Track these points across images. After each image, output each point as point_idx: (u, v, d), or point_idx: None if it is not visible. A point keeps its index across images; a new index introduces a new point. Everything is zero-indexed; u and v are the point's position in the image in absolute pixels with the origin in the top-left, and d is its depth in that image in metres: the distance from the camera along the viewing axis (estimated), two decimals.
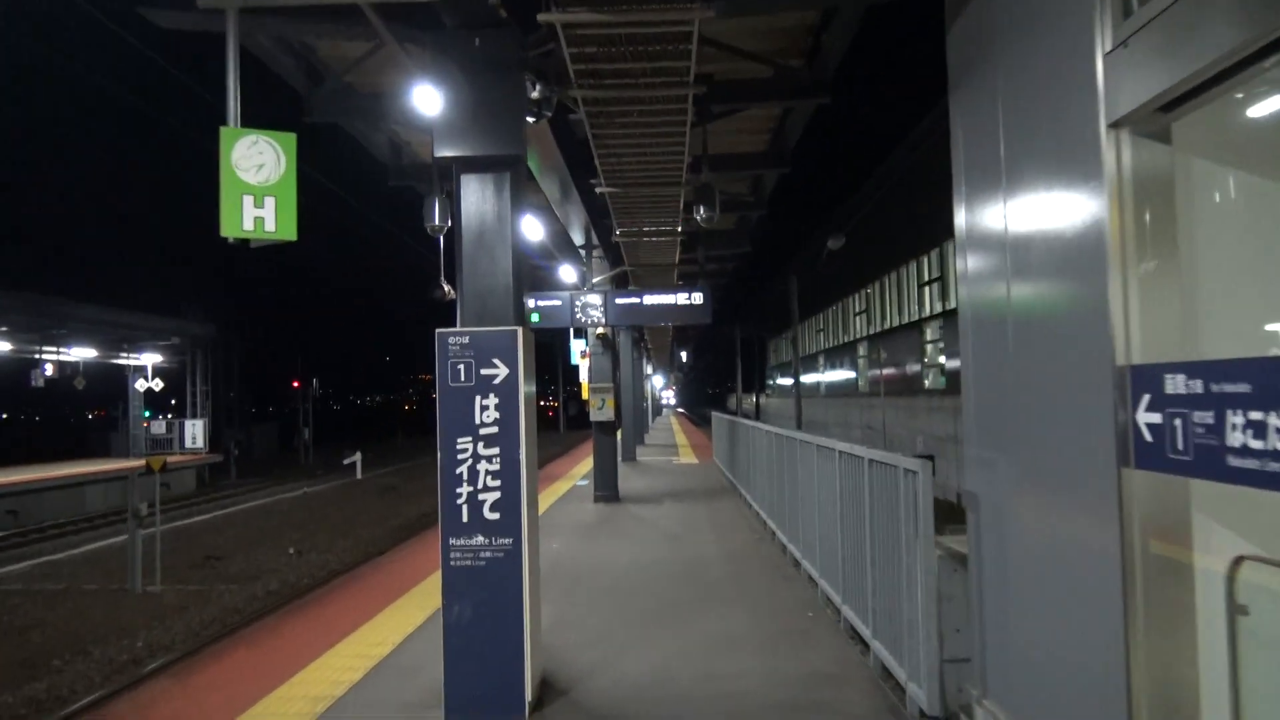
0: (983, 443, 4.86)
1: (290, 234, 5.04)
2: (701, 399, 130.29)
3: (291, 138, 5.12)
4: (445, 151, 6.22)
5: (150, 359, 30.69)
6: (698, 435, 44.16)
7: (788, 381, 57.11)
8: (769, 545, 11.52)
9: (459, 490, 5.64)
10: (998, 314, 4.54)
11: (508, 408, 5.65)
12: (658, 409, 77.19)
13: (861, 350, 36.14)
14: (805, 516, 9.43)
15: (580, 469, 24.10)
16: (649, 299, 13.75)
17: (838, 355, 40.97)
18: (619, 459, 25.01)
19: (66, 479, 27.61)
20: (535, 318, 13.59)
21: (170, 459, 33.11)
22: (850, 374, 38.38)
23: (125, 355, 31.42)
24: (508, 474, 5.62)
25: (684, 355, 36.55)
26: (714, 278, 26.57)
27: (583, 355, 20.07)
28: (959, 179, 5.04)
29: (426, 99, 6.33)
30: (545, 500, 17.00)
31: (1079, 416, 3.62)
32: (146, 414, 34.11)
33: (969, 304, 4.98)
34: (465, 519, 5.64)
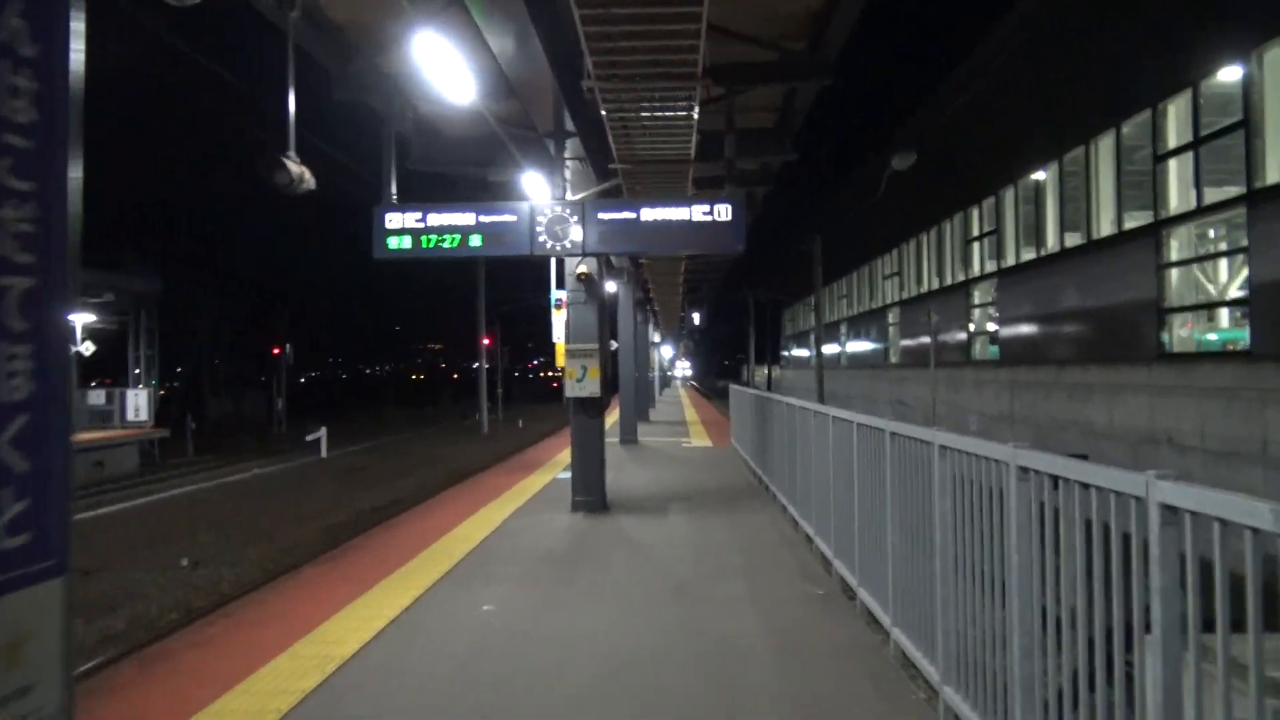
0: None
1: None
2: (711, 369, 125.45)
3: None
4: None
5: (80, 319, 25.99)
6: (709, 410, 39.29)
7: (804, 353, 52.45)
8: (845, 613, 6.66)
9: None
10: None
11: None
12: (666, 380, 72.34)
13: (891, 317, 31.44)
14: (925, 574, 4.60)
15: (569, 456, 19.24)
16: (649, 213, 8.84)
17: (864, 323, 36.21)
18: (611, 444, 20.23)
19: None
20: (476, 239, 8.70)
21: (108, 434, 28.55)
22: (878, 344, 33.65)
23: None
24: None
25: (696, 317, 31.60)
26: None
27: (557, 307, 15.02)
28: None
29: None
30: (505, 505, 12.14)
31: None
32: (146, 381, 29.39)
33: None
34: None
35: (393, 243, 9.06)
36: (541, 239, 8.93)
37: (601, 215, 8.96)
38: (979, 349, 23.22)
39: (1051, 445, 17.51)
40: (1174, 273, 14.61)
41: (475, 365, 39.33)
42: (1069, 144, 17.33)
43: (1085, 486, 3.00)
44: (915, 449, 5.13)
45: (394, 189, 9.26)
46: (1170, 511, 2.56)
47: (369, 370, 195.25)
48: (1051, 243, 18.49)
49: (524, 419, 43.51)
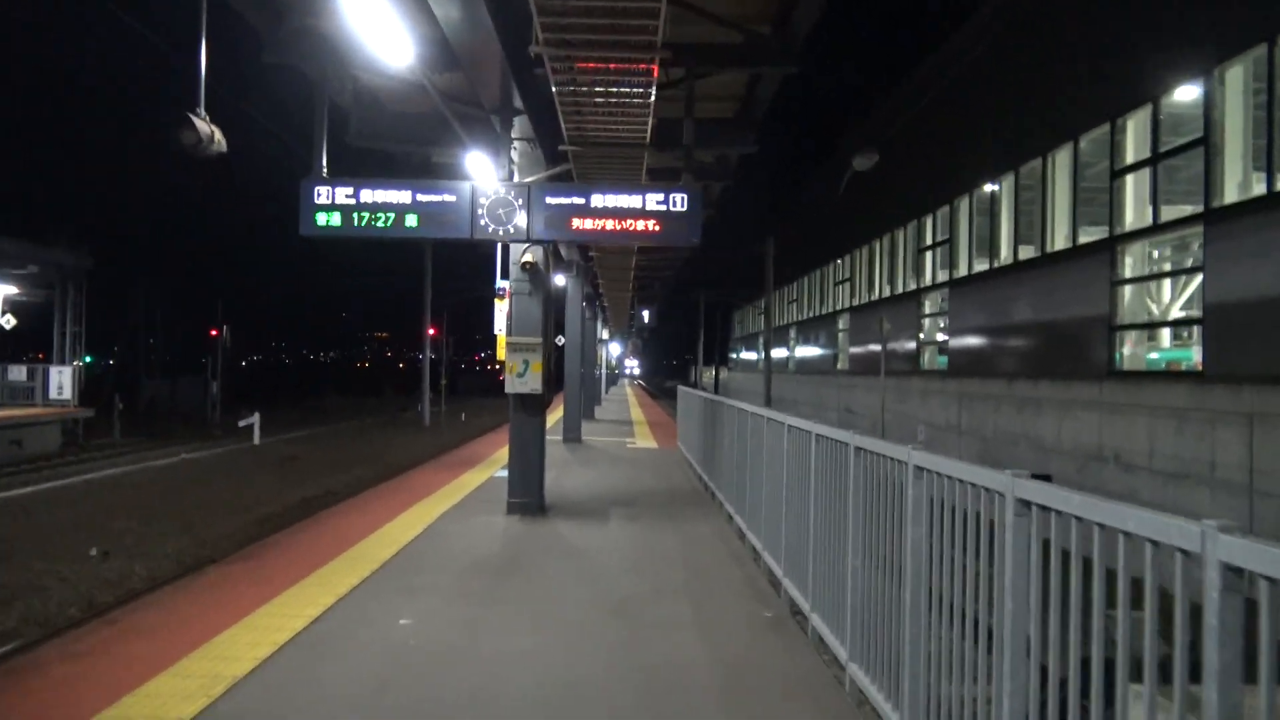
0: None
1: None
2: (659, 370, 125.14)
3: None
4: None
5: (2, 290, 24.62)
6: (656, 410, 38.76)
7: (752, 356, 52.20)
8: (795, 639, 6.10)
9: None
10: None
11: None
12: (614, 378, 71.70)
13: (842, 323, 31.21)
14: (891, 605, 4.04)
15: None
16: (601, 200, 8.21)
17: (813, 328, 35.97)
18: (554, 442, 19.56)
19: None
20: (412, 219, 8.01)
21: (28, 412, 27.18)
22: (828, 350, 33.42)
23: None
24: None
25: (646, 315, 30.96)
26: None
27: (499, 297, 14.30)
28: None
29: None
30: (438, 504, 11.43)
31: None
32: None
33: None
34: None
35: (321, 219, 8.31)
36: (484, 222, 8.25)
37: (550, 200, 8.30)
38: (928, 358, 23.00)
39: (1000, 459, 17.24)
40: (1127, 290, 14.38)
41: (428, 356, 38.36)
42: (1026, 155, 17.08)
43: (1120, 533, 2.43)
44: (885, 467, 4.58)
45: (324, 161, 8.53)
46: (1235, 574, 2.02)
47: (313, 357, 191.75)
48: (1005, 254, 18.25)
49: (467, 412, 42.58)
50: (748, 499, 8.91)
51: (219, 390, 36.31)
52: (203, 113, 5.76)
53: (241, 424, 27.21)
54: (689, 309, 66.63)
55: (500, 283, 13.55)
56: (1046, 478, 3.15)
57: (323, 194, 8.30)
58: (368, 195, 8.29)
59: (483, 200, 8.29)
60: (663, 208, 8.08)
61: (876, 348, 26.56)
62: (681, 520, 10.55)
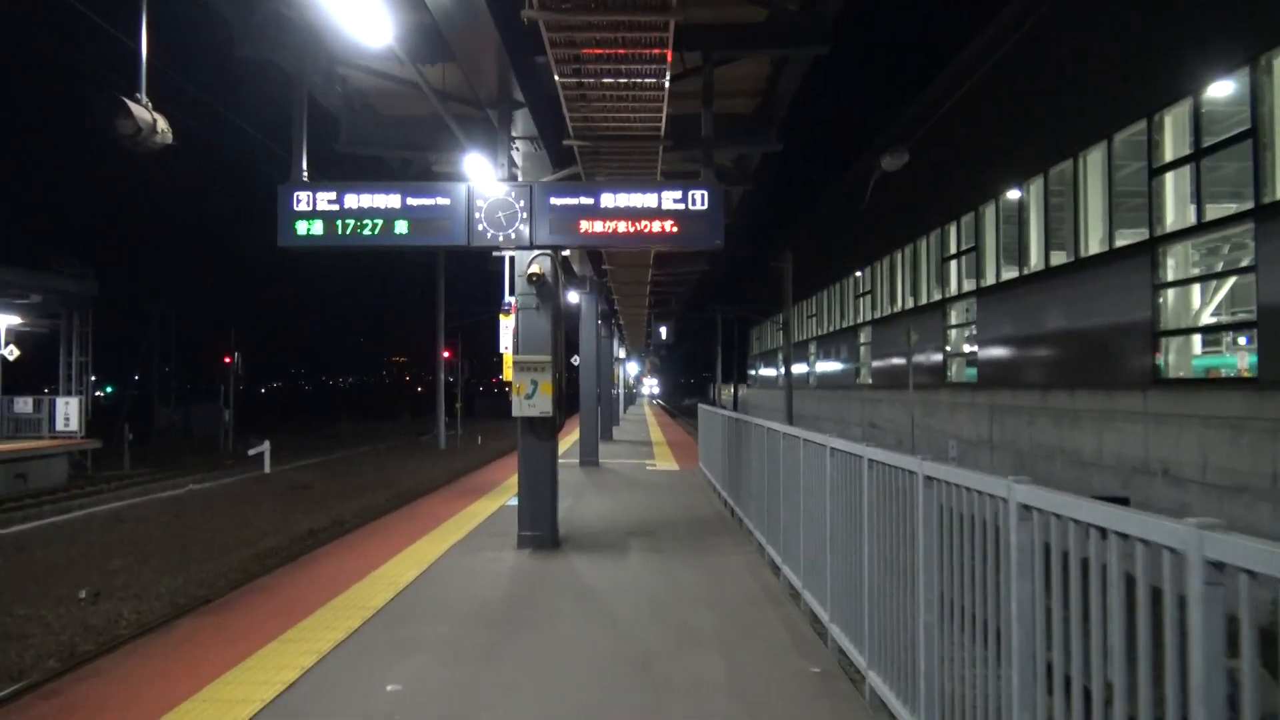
0: None
1: None
2: (676, 388, 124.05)
3: None
4: None
5: (4, 320, 23.94)
6: (675, 430, 37.77)
7: (770, 372, 51.16)
8: (851, 703, 5.12)
9: None
10: None
11: None
12: (631, 397, 70.74)
13: (864, 337, 30.35)
14: (985, 675, 3.08)
15: None
16: (612, 200, 7.30)
17: (834, 342, 35.05)
18: (570, 465, 18.61)
19: None
20: (402, 226, 7.12)
21: (33, 445, 26.45)
22: (849, 364, 32.52)
23: None
24: None
25: (663, 331, 29.82)
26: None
27: (504, 313, 13.34)
28: None
29: None
30: (444, 538, 10.49)
31: None
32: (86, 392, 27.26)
33: None
34: None
35: (301, 228, 7.45)
36: (481, 228, 7.37)
37: (555, 201, 7.41)
38: (955, 370, 22.10)
39: (1036, 473, 16.28)
40: (1170, 293, 13.51)
41: (442, 378, 37.59)
42: (1056, 157, 16.18)
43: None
44: (973, 503, 3.63)
45: (304, 164, 7.67)
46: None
47: (331, 383, 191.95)
48: (1035, 261, 17.32)
49: (484, 435, 41.72)
50: (782, 529, 7.95)
51: (231, 418, 35.55)
52: (144, 98, 4.93)
53: (251, 452, 26.40)
54: (704, 327, 65.80)
55: (507, 299, 12.61)
56: (1124, 500, 2.33)
57: (302, 200, 7.42)
58: (352, 200, 7.42)
59: (480, 203, 7.40)
60: (681, 206, 7.17)
61: (900, 361, 25.61)
62: (708, 551, 9.58)
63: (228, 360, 41.14)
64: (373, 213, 7.42)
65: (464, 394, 46.85)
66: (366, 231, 7.41)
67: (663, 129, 7.37)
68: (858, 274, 31.15)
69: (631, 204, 7.27)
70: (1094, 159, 15.21)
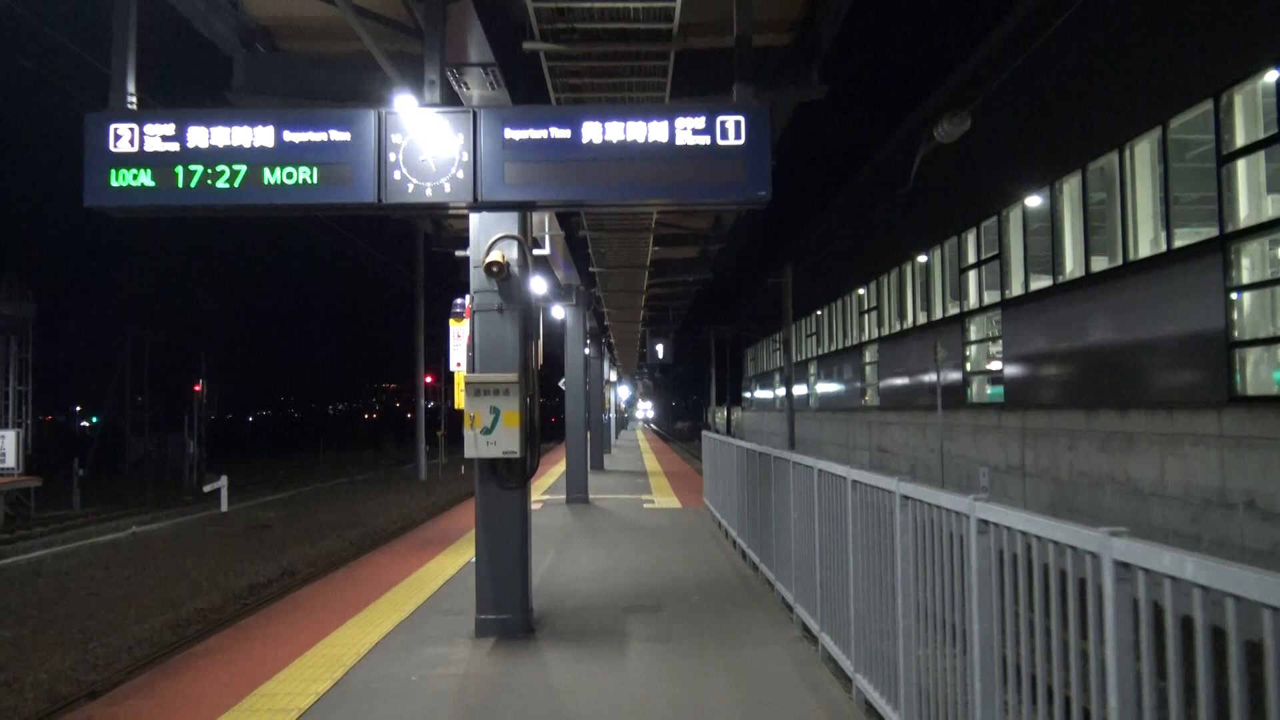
0: None
1: None
2: (669, 412, 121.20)
3: None
4: None
5: None
6: (672, 457, 35.04)
7: (767, 394, 48.56)
8: None
9: None
10: None
11: None
12: (623, 422, 67.95)
13: (869, 355, 27.98)
14: None
15: None
16: (597, 130, 4.68)
17: (836, 362, 32.61)
18: (556, 504, 15.77)
19: None
20: (276, 175, 4.50)
21: None
22: (853, 384, 30.10)
23: None
24: None
25: (660, 350, 27.06)
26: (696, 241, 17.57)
27: (455, 318, 10.42)
28: None
29: None
30: (382, 617, 7.75)
31: None
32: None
33: None
34: None
35: (122, 178, 4.83)
36: (399, 177, 4.74)
37: (512, 134, 4.77)
38: (976, 390, 19.60)
39: (1082, 505, 13.82)
40: (1247, 297, 11.15)
41: (423, 404, 34.98)
42: (1096, 149, 13.71)
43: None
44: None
45: (131, 84, 5.02)
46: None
47: (321, 410, 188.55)
48: (1071, 267, 14.86)
49: (467, 464, 39.01)
50: (840, 607, 5.33)
51: (196, 450, 32.70)
52: None
53: (207, 489, 23.60)
54: (696, 349, 63.25)
55: (458, 301, 9.77)
56: None
57: (123, 135, 4.76)
58: (200, 136, 4.76)
59: (398, 139, 4.80)
60: (704, 140, 4.58)
61: (908, 380, 23.11)
62: (736, 638, 6.90)
63: (196, 389, 38.42)
64: (231, 154, 4.72)
65: (447, 420, 44.09)
66: (222, 183, 4.73)
67: (675, 21, 4.69)
68: (860, 291, 28.79)
69: (629, 136, 4.65)
70: (1142, 149, 12.90)
